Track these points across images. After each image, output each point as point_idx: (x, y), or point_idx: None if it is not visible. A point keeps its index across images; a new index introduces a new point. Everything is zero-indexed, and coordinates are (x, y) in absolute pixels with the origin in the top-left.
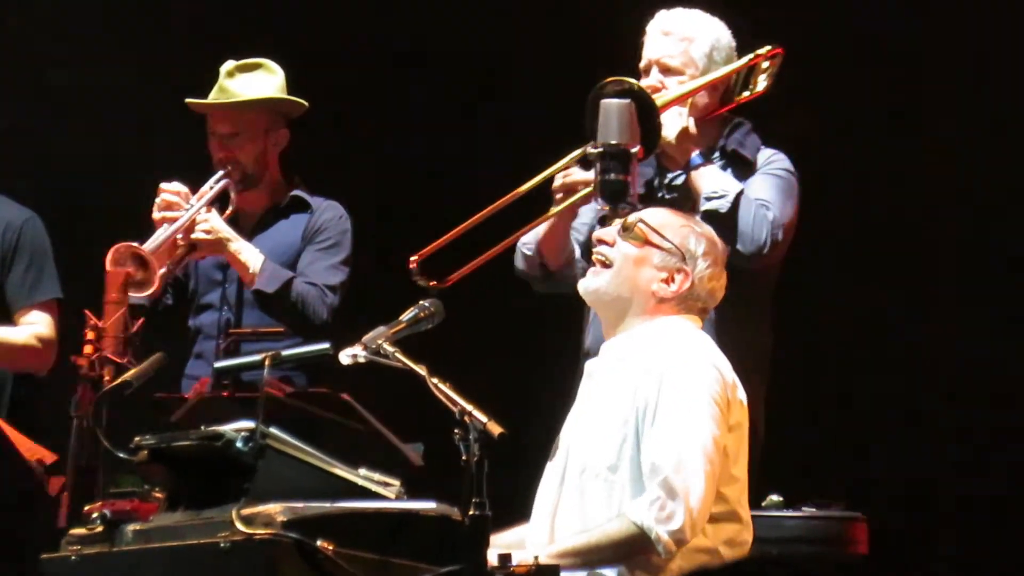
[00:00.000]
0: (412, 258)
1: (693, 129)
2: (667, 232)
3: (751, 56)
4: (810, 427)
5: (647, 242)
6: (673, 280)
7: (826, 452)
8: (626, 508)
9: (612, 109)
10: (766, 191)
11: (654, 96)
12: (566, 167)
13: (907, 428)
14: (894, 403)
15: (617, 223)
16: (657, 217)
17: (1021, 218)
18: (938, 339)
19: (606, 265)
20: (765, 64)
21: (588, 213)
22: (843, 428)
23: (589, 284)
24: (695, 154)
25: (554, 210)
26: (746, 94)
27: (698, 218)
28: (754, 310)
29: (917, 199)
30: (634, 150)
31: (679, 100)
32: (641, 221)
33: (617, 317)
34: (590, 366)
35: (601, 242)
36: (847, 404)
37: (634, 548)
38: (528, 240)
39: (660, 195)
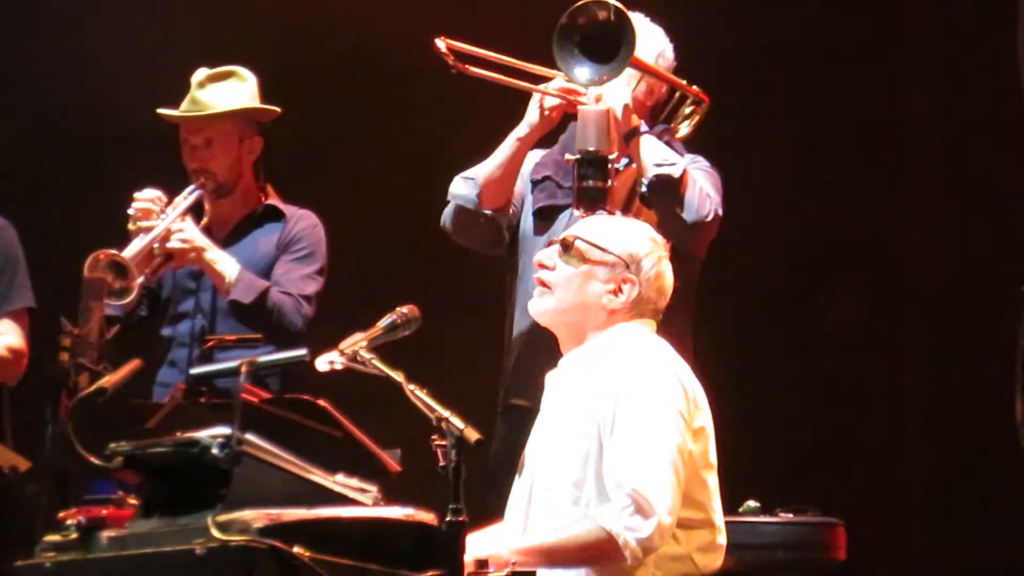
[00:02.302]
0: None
1: (630, 101)
2: (607, 243)
3: (685, 82)
4: (788, 433)
5: (588, 259)
6: (621, 291)
7: (803, 458)
8: (595, 512)
9: (590, 116)
10: (701, 181)
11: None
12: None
13: (886, 434)
14: (873, 408)
15: (556, 245)
16: (595, 230)
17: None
18: (914, 348)
19: (548, 289)
20: (689, 110)
21: (533, 160)
22: (821, 434)
23: (537, 306)
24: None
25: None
26: (669, 126)
27: (631, 219)
28: (677, 308)
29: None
30: (612, 156)
31: (638, 66)
32: (578, 239)
33: (571, 335)
34: (550, 379)
35: (542, 266)
36: (825, 411)
37: (601, 553)
38: (469, 175)
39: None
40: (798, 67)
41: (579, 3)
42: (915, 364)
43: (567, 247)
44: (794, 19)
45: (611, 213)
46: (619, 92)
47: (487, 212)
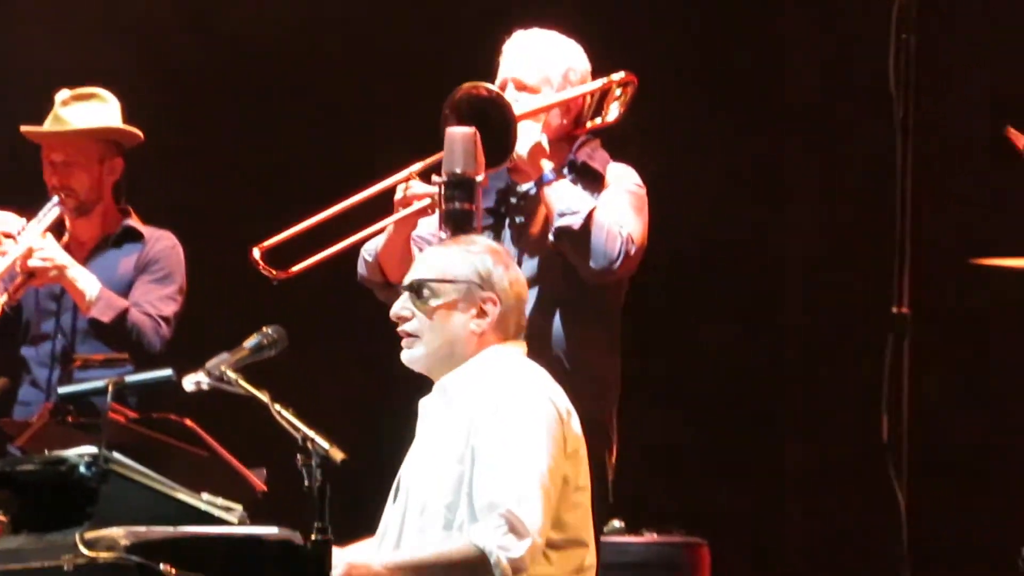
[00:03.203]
0: (255, 248)
1: (546, 145)
2: (452, 272)
3: (605, 80)
4: (651, 452)
5: (441, 295)
6: (484, 312)
7: (665, 477)
8: (468, 530)
9: (457, 137)
10: (618, 207)
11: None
12: (407, 179)
13: (750, 454)
14: (739, 427)
15: (404, 294)
16: (434, 264)
17: None
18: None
19: (414, 337)
20: (618, 92)
21: (429, 225)
22: (684, 453)
23: (410, 358)
24: (547, 169)
25: (389, 220)
26: (598, 120)
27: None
28: (603, 331)
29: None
30: (479, 178)
31: (533, 114)
32: (423, 280)
33: (445, 367)
34: (423, 405)
35: (400, 319)
36: (690, 427)
37: (472, 570)
38: (370, 248)
39: (514, 202)
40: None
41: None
42: (789, 378)
43: (417, 292)
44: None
45: (479, 232)
46: (528, 132)
47: (392, 282)
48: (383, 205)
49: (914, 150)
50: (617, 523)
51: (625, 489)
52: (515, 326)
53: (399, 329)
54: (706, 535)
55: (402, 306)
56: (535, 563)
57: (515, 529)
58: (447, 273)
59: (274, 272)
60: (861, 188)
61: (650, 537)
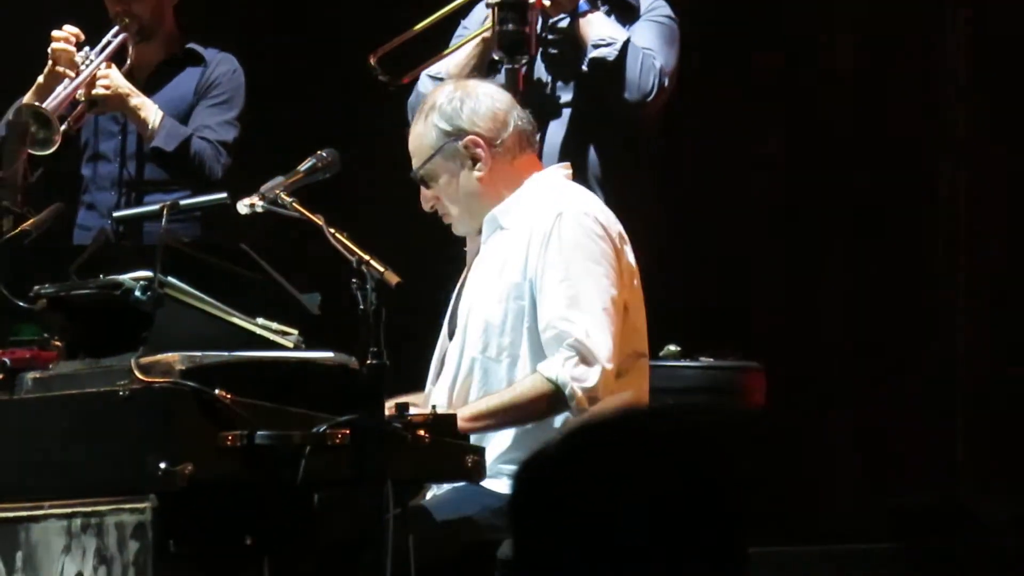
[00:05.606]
0: (371, 56)
1: None
2: (427, 143)
3: None
4: (707, 278)
5: (437, 169)
6: (476, 155)
7: (723, 302)
8: (540, 366)
9: None
10: (650, 39)
11: None
12: None
13: (805, 280)
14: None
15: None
16: (414, 148)
17: None
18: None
19: (450, 216)
20: None
21: None
22: (740, 279)
23: (459, 230)
24: (582, 0)
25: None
26: None
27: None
28: (640, 172)
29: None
30: (532, 0)
31: None
32: (417, 170)
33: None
34: (472, 238)
35: (431, 209)
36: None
37: (549, 405)
38: (437, 70)
39: (545, 37)
40: None
41: None
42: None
43: (423, 182)
44: None
45: (533, 57)
46: None
47: None
48: None
49: None
50: (673, 347)
51: (687, 315)
52: (516, 135)
53: (439, 216)
54: (763, 360)
55: (424, 199)
56: (608, 390)
57: (586, 359)
58: (423, 149)
59: (390, 79)
60: None
61: (705, 361)
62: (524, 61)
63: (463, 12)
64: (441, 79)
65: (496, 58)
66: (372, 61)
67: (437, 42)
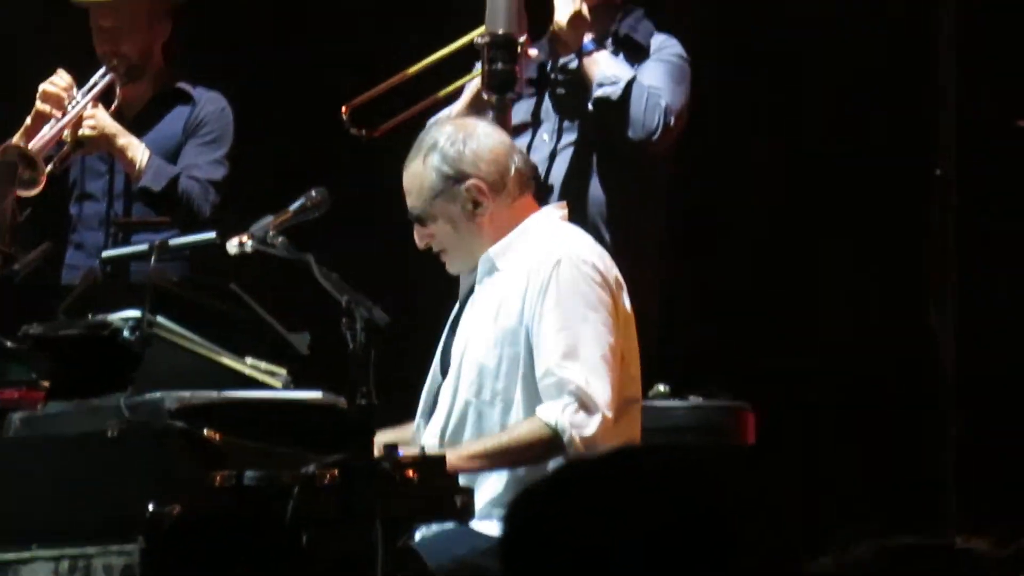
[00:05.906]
0: (344, 107)
1: (586, 13)
2: (427, 185)
3: None
4: (698, 316)
5: (436, 212)
6: (476, 199)
7: (713, 342)
8: (539, 410)
9: None
10: (658, 77)
11: None
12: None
13: (795, 319)
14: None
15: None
16: (411, 188)
17: None
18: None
19: (445, 253)
20: None
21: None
22: (731, 318)
23: (453, 269)
24: (587, 39)
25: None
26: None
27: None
28: (647, 199)
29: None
30: (521, 39)
31: None
32: (413, 209)
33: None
34: (467, 277)
35: (427, 247)
36: (737, 294)
37: (546, 450)
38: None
39: (553, 77)
40: None
41: None
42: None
43: (419, 220)
44: None
45: (518, 95)
46: (566, 5)
47: None
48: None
49: None
50: (662, 387)
51: (673, 352)
52: (516, 178)
53: (434, 252)
54: (753, 400)
55: (418, 237)
56: (606, 440)
57: (586, 407)
58: (423, 191)
59: (363, 132)
60: None
61: (694, 401)
62: (513, 99)
63: (445, 63)
64: None
65: (485, 96)
66: (344, 114)
67: (416, 94)
